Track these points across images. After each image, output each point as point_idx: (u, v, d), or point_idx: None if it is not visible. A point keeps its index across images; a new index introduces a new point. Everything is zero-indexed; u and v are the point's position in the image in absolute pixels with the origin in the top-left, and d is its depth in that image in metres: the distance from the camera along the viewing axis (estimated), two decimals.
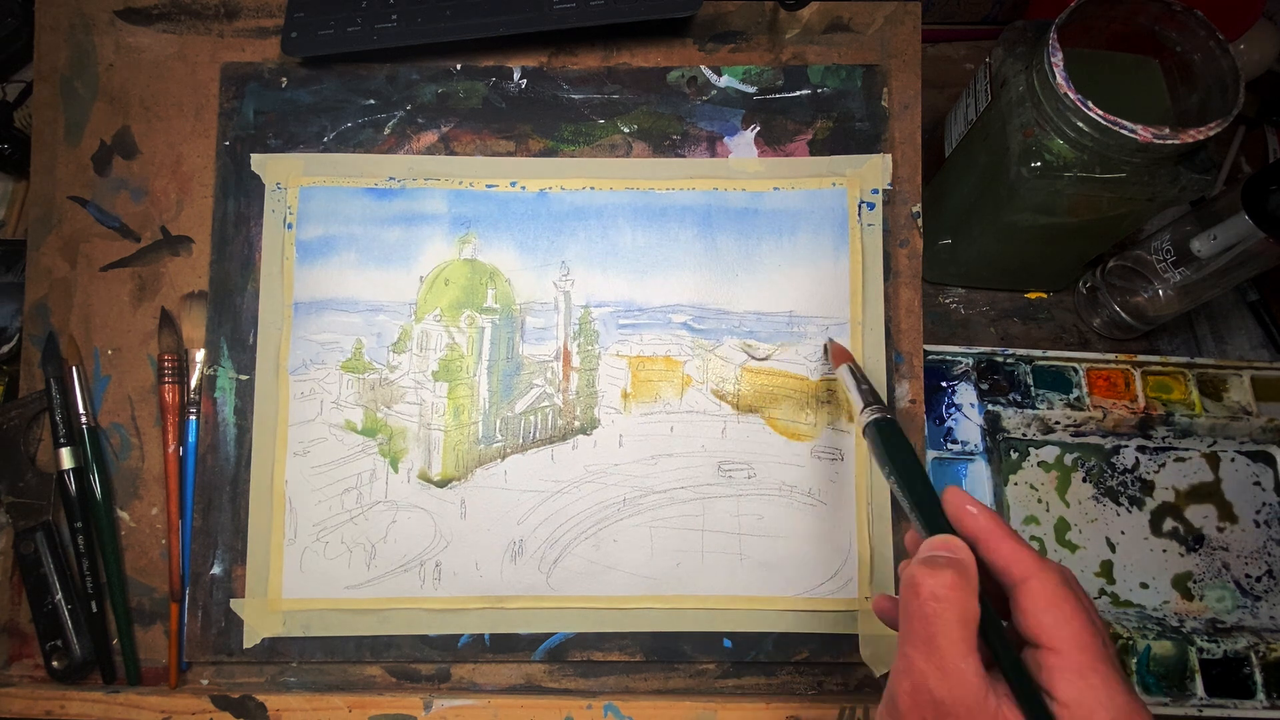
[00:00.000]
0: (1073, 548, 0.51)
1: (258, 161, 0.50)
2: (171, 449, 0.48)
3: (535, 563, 0.47)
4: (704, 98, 0.51)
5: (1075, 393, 0.52)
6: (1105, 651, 0.28)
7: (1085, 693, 0.27)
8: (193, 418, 0.48)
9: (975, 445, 0.51)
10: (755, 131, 0.51)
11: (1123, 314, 0.56)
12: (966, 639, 0.28)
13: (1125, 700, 0.27)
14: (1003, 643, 0.29)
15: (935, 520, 0.32)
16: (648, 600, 0.47)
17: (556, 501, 0.47)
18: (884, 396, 0.48)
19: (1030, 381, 0.52)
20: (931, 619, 0.28)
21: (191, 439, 0.48)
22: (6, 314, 0.52)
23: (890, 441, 0.37)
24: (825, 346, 0.48)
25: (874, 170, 0.50)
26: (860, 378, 0.42)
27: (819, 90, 0.51)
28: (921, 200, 0.50)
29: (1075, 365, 0.52)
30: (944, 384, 0.52)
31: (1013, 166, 0.46)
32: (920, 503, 0.33)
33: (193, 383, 0.49)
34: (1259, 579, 0.51)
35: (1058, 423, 0.52)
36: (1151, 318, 0.55)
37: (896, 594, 0.31)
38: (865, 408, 0.39)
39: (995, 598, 0.30)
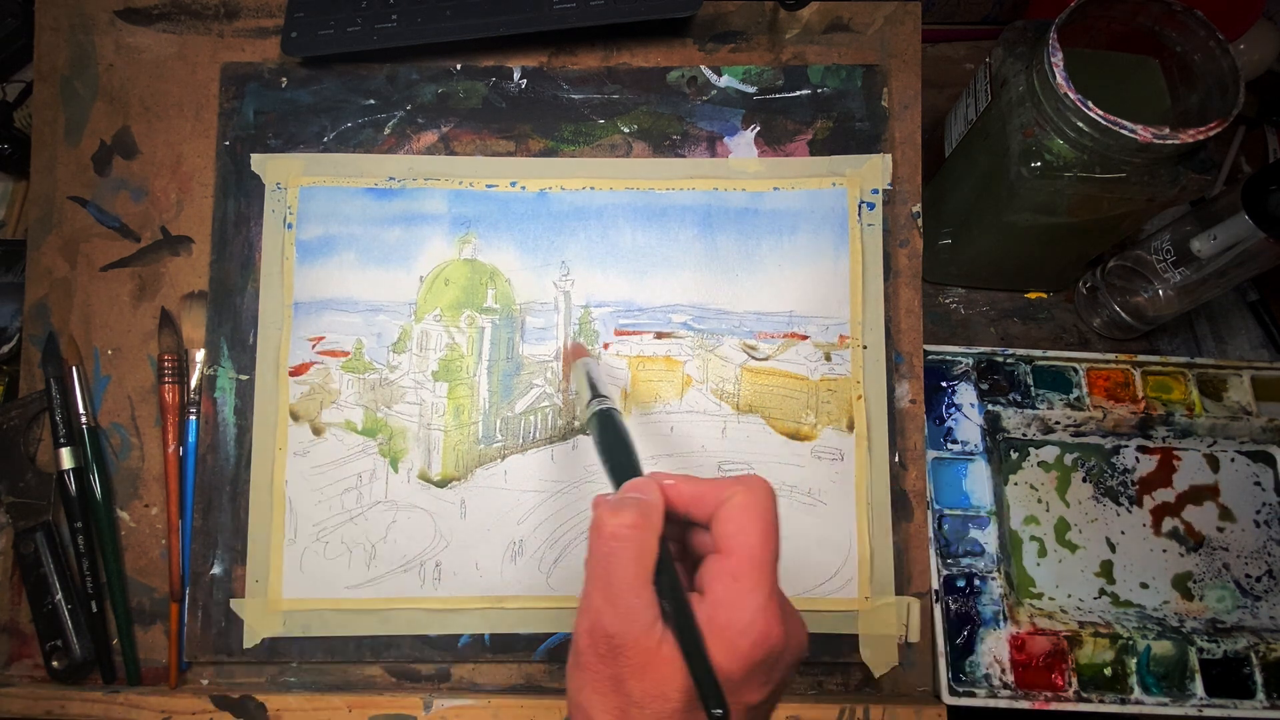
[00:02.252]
0: (1073, 548, 0.51)
1: (258, 161, 0.50)
2: (171, 449, 0.48)
3: (535, 563, 0.47)
4: (704, 98, 0.51)
5: (1075, 393, 0.52)
6: (765, 558, 0.29)
7: (732, 592, 0.28)
8: (193, 418, 0.48)
9: (975, 445, 0.51)
10: (755, 131, 0.51)
11: (1123, 314, 0.56)
12: (640, 575, 0.28)
13: (764, 601, 0.28)
14: (669, 578, 0.29)
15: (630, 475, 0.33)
16: None
17: (556, 501, 0.47)
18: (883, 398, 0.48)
19: (1030, 381, 0.52)
20: (609, 558, 0.29)
21: (191, 439, 0.48)
22: (6, 314, 0.52)
23: (608, 428, 0.37)
24: (565, 346, 0.49)
25: (874, 170, 0.50)
26: (595, 376, 0.42)
27: (819, 90, 0.51)
28: (921, 200, 0.50)
29: (1075, 365, 0.52)
30: (944, 384, 0.52)
31: (1013, 166, 0.46)
32: (619, 468, 0.34)
33: (193, 383, 0.49)
34: (1259, 579, 0.51)
35: (1058, 423, 0.52)
36: (1151, 318, 0.55)
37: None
38: (593, 399, 0.39)
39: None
